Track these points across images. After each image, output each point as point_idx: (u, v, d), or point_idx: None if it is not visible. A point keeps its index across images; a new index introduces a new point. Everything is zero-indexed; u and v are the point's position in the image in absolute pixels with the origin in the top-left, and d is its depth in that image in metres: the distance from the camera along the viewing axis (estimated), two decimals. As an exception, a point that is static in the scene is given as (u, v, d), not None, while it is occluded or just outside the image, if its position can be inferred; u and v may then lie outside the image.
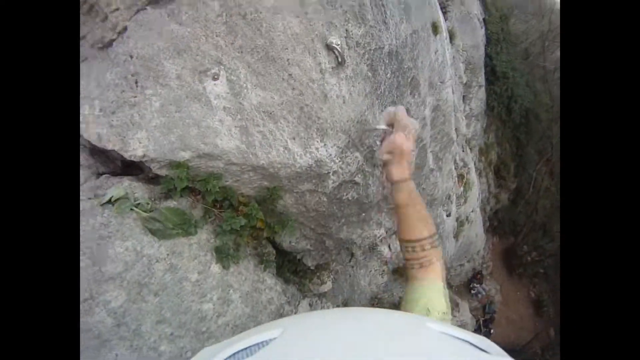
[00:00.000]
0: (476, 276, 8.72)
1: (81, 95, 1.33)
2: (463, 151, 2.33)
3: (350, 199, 1.52)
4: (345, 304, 1.83)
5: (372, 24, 1.41)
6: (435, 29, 1.79)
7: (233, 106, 1.28)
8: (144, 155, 1.31)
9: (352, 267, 1.83)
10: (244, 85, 1.27)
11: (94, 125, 1.32)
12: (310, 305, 1.77)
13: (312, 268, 1.75)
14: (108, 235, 1.33)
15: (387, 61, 1.46)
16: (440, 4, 2.41)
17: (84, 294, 1.34)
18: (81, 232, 1.32)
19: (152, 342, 1.42)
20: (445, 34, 2.06)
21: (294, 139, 1.34)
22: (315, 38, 1.30)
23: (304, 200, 1.50)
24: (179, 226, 1.36)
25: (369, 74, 1.42)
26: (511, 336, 9.52)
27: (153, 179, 1.43)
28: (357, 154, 1.44)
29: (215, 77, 1.27)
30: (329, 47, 1.31)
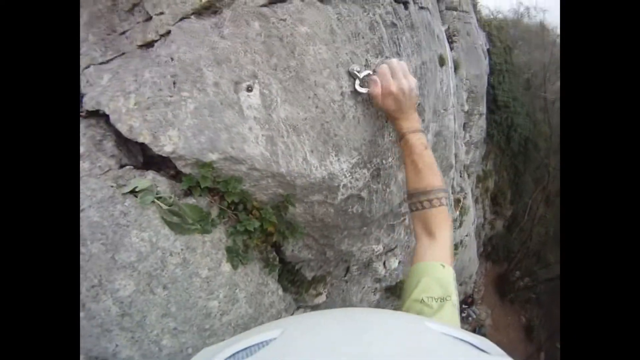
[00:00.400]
0: (467, 300, 8.92)
1: (117, 89, 1.43)
2: (461, 177, 2.51)
3: (354, 212, 1.67)
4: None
5: (388, 55, 1.60)
6: (441, 61, 2.03)
7: (262, 117, 1.42)
8: (172, 152, 1.41)
9: (347, 282, 1.95)
10: (275, 99, 1.42)
11: (127, 117, 1.41)
12: (302, 314, 1.87)
13: (309, 279, 1.86)
14: (126, 224, 1.40)
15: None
16: (447, 36, 2.66)
17: (92, 280, 1.39)
18: (98, 219, 1.38)
19: (154, 335, 1.47)
20: (450, 64, 2.30)
21: (312, 151, 1.48)
22: (339, 64, 1.47)
23: (313, 210, 1.63)
24: (197, 222, 1.45)
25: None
26: (502, 363, 9.59)
27: (174, 176, 1.52)
28: (365, 170, 1.60)
29: (250, 89, 1.40)
30: (350, 74, 1.49)
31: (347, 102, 1.50)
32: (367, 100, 1.53)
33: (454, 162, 2.24)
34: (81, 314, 1.39)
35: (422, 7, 1.87)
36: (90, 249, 1.38)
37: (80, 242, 1.36)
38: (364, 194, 1.63)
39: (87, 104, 1.44)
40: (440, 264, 1.06)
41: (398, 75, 1.36)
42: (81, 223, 1.36)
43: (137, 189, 1.40)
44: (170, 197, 1.45)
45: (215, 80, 1.39)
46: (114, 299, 1.41)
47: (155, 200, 1.42)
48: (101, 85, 1.44)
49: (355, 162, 1.57)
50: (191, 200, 1.49)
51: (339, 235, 1.73)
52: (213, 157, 1.42)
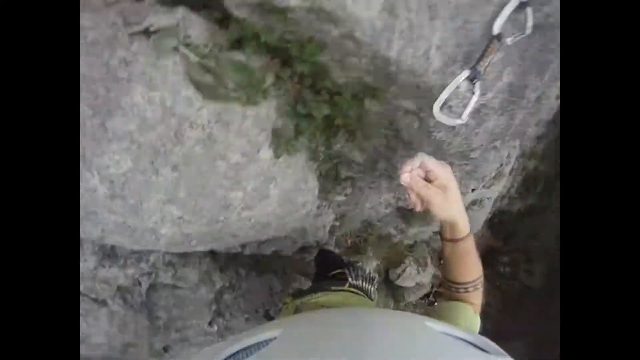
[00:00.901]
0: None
1: None
2: (514, 147, 2.22)
3: (436, 138, 1.21)
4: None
5: None
6: None
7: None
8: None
9: (371, 188, 1.67)
10: None
11: None
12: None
13: (341, 177, 1.51)
14: (128, 78, 0.87)
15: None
16: None
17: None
18: (86, 70, 0.84)
19: (152, 222, 1.15)
20: None
21: (438, 48, 0.93)
22: None
23: (395, 117, 1.15)
24: (241, 88, 0.94)
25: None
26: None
27: (219, 21, 0.91)
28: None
29: None
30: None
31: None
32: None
33: (526, 129, 1.82)
34: None
35: None
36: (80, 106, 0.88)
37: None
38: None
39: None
40: (473, 311, 1.04)
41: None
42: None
43: (151, 29, 0.81)
44: (206, 46, 0.88)
45: None
46: (101, 177, 0.99)
47: (181, 47, 0.85)
48: None
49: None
50: (238, 57, 0.93)
51: (405, 152, 1.33)
52: (294, 1, 0.82)
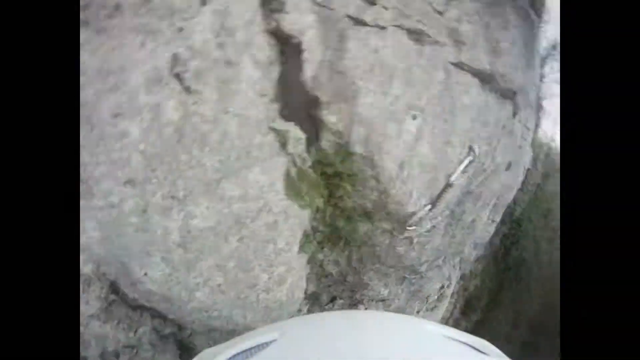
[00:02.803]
0: None
1: (320, 39, 1.46)
2: (453, 267, 2.80)
3: (399, 252, 1.86)
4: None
5: (489, 148, 1.98)
6: (509, 166, 2.47)
7: (409, 144, 1.64)
8: (334, 123, 1.48)
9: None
10: (424, 135, 1.66)
11: (318, 66, 1.47)
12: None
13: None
14: (256, 157, 1.36)
15: (478, 174, 2.06)
16: None
17: (177, 190, 1.28)
18: (235, 133, 1.31)
19: (194, 282, 1.39)
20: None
21: (417, 189, 1.72)
22: (470, 138, 1.81)
23: (374, 235, 1.78)
24: (307, 195, 1.51)
25: (468, 175, 1.98)
26: None
27: (310, 143, 1.55)
28: (427, 221, 1.88)
29: (415, 117, 1.62)
30: (471, 147, 1.85)
31: (453, 167, 1.83)
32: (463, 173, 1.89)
33: (465, 251, 2.70)
34: (134, 219, 1.23)
35: (520, 121, 2.28)
36: (204, 157, 1.29)
37: (200, 142, 1.26)
38: (415, 240, 1.89)
39: (287, 25, 1.42)
40: None
41: None
42: (216, 125, 1.27)
43: (288, 133, 1.40)
44: (306, 160, 1.48)
45: (398, 94, 1.58)
46: (183, 223, 1.28)
47: (297, 154, 1.44)
48: (307, 21, 1.45)
49: (427, 211, 1.84)
50: (313, 175, 1.53)
51: (372, 265, 1.90)
52: (359, 150, 1.54)
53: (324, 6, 1.49)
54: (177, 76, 1.22)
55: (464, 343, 0.55)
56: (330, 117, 1.47)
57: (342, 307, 2.14)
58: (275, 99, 1.43)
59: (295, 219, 1.53)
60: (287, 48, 1.44)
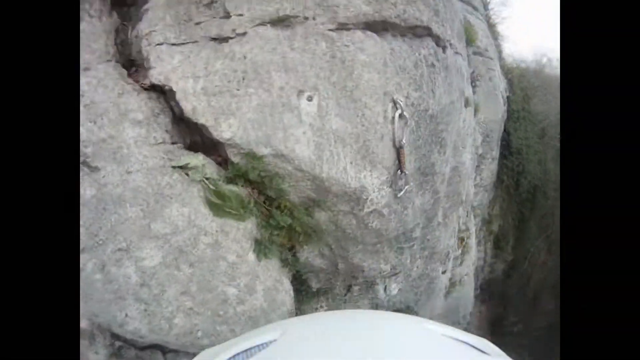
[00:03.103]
0: None
1: (187, 71, 1.63)
2: (467, 216, 2.76)
3: (374, 227, 1.91)
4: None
5: (425, 90, 1.91)
6: (467, 101, 2.42)
7: (316, 124, 1.67)
8: (230, 139, 1.62)
9: (345, 302, 2.16)
10: (330, 111, 1.68)
11: (193, 99, 1.61)
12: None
13: (314, 290, 2.05)
14: (170, 195, 1.56)
15: (428, 121, 1.96)
16: (471, 80, 3.07)
17: (121, 243, 1.51)
18: (144, 185, 1.53)
19: (168, 311, 1.58)
20: (472, 106, 2.71)
21: (351, 163, 1.74)
22: (386, 92, 1.78)
23: (337, 219, 1.86)
24: (236, 209, 1.64)
25: (414, 128, 1.91)
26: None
27: (220, 163, 1.72)
28: (390, 189, 1.88)
29: (310, 98, 1.67)
30: (394, 102, 1.82)
31: (387, 126, 1.79)
32: (403, 128, 1.85)
33: (464, 198, 2.58)
34: (98, 276, 1.48)
35: (456, 52, 2.26)
36: (128, 212, 1.51)
37: (119, 203, 1.50)
38: (385, 211, 1.89)
39: (155, 77, 1.62)
40: None
41: None
42: (126, 185, 1.50)
43: (188, 165, 1.59)
44: (218, 179, 1.64)
45: (281, 85, 1.64)
46: (137, 267, 1.52)
47: (204, 179, 1.61)
48: (171, 64, 1.63)
49: (384, 180, 1.83)
50: (234, 188, 1.69)
51: (354, 248, 1.96)
52: (265, 151, 1.64)
53: (185, 43, 1.69)
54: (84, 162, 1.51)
55: (465, 342, 0.56)
56: (224, 134, 1.62)
57: (359, 292, 2.18)
58: (171, 140, 1.65)
59: (237, 232, 1.68)
60: (165, 95, 1.66)
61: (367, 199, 1.82)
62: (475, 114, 2.98)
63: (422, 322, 0.64)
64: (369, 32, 1.78)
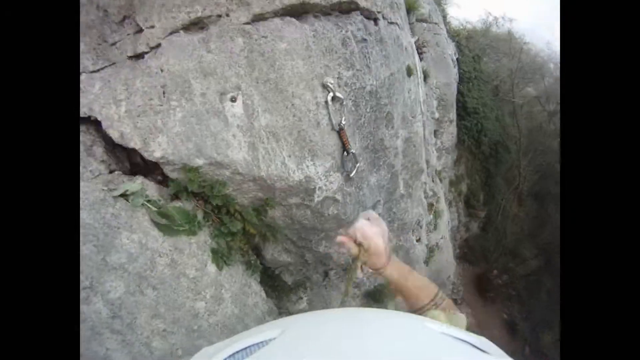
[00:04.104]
0: None
1: (108, 96, 1.67)
2: (433, 182, 2.81)
3: (330, 214, 1.97)
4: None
5: (359, 67, 1.95)
6: (409, 71, 2.41)
7: (245, 125, 1.71)
8: (162, 157, 1.66)
9: (326, 287, 2.22)
10: (256, 108, 1.72)
11: (119, 124, 1.66)
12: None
13: (289, 284, 2.12)
14: (117, 226, 1.63)
15: (367, 98, 2.01)
16: (417, 47, 3.05)
17: (84, 282, 1.60)
18: (90, 221, 1.60)
19: (144, 337, 1.68)
20: (419, 73, 2.69)
21: (290, 156, 1.79)
22: (314, 77, 1.80)
23: (291, 213, 1.92)
24: (184, 224, 1.70)
25: (353, 108, 1.95)
26: (487, 359, 10.36)
27: (161, 182, 1.76)
28: (338, 174, 1.92)
29: (233, 99, 1.70)
30: (324, 85, 1.82)
31: (321, 112, 1.82)
32: (339, 110, 1.86)
33: (424, 166, 2.60)
34: None
35: (391, 22, 2.26)
36: (82, 251, 1.59)
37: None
38: (338, 196, 1.94)
39: (80, 110, 1.66)
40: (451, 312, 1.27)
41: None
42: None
43: (127, 192, 1.63)
44: (160, 200, 1.69)
45: (202, 91, 1.67)
46: (104, 301, 1.61)
47: (145, 203, 1.66)
48: (93, 93, 1.67)
49: (330, 166, 1.89)
50: (178, 204, 1.74)
51: (316, 237, 2.01)
52: (199, 162, 1.69)
53: (104, 68, 1.70)
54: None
55: (464, 341, 0.57)
56: (155, 154, 1.66)
57: (337, 277, 2.24)
58: (108, 169, 1.70)
59: (191, 247, 1.76)
60: (96, 124, 1.68)
61: (315, 188, 1.86)
62: (426, 80, 2.97)
63: (422, 321, 0.65)
64: (287, 18, 1.80)
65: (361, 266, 1.53)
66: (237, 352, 0.53)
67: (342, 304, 1.46)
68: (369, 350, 0.48)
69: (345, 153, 1.87)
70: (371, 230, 1.49)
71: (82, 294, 1.59)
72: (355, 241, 1.44)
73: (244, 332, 0.63)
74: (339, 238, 1.49)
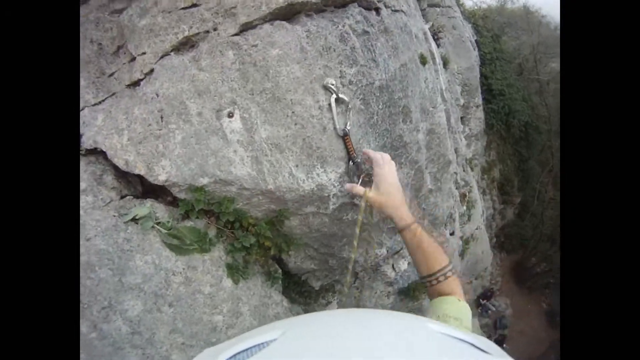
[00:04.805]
0: (486, 293, 9.30)
1: (111, 127, 1.72)
2: (464, 171, 2.65)
3: (350, 219, 1.88)
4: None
5: (363, 63, 1.80)
6: (423, 59, 2.22)
7: (245, 139, 1.67)
8: (166, 180, 1.69)
9: (357, 288, 2.17)
10: (255, 121, 1.66)
11: (123, 152, 1.70)
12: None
13: (317, 288, 2.09)
14: (130, 249, 1.69)
15: (378, 94, 1.86)
16: (432, 33, 2.82)
17: (103, 302, 1.68)
18: (104, 247, 1.67)
19: (163, 350, 1.75)
20: (438, 60, 2.48)
21: (297, 166, 1.72)
22: (313, 80, 1.70)
23: (308, 222, 1.86)
24: (196, 243, 1.72)
25: (362, 107, 1.81)
26: (527, 349, 10.33)
27: (171, 202, 1.80)
28: (355, 178, 1.81)
29: (231, 115, 1.66)
30: (326, 87, 1.71)
31: (326, 115, 1.72)
32: (347, 111, 1.74)
33: (451, 157, 2.40)
34: (93, 335, 1.69)
35: (395, 10, 2.07)
36: (99, 274, 1.68)
37: (89, 268, 1.66)
38: (357, 200, 1.84)
39: (86, 142, 1.75)
40: (457, 299, 1.33)
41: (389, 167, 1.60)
42: (88, 251, 1.66)
43: (137, 217, 1.69)
44: (169, 222, 1.73)
45: (198, 111, 1.66)
46: (123, 319, 1.70)
47: (155, 225, 1.70)
48: (96, 125, 1.74)
49: (343, 171, 1.79)
50: (189, 223, 1.77)
51: (338, 243, 1.95)
52: (204, 181, 1.69)
53: (105, 99, 1.76)
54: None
55: (466, 341, 0.58)
56: (160, 178, 1.69)
57: (368, 277, 2.17)
58: (120, 195, 1.76)
59: (205, 264, 1.78)
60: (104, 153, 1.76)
61: (329, 195, 1.79)
62: (446, 67, 2.72)
63: (423, 321, 0.67)
64: (277, 22, 1.71)
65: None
66: (238, 353, 0.53)
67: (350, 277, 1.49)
68: (369, 351, 0.48)
69: (350, 162, 1.74)
70: (386, 166, 1.50)
71: (102, 314, 1.66)
72: (359, 176, 1.60)
73: (244, 334, 0.64)
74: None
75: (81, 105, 1.78)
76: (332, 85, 1.70)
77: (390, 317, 0.71)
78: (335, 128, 1.72)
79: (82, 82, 1.78)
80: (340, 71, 1.74)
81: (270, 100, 1.67)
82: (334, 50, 1.73)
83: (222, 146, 1.67)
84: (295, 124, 1.69)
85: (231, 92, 1.66)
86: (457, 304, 1.32)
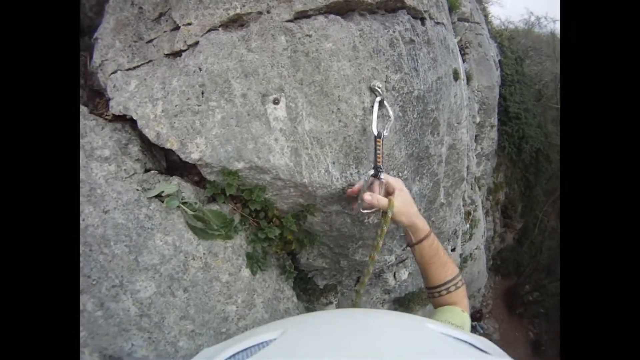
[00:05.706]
0: (476, 314, 9.53)
1: (145, 95, 1.62)
2: (472, 189, 2.72)
3: (370, 222, 1.89)
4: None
5: (407, 71, 1.81)
6: (456, 75, 2.28)
7: (288, 129, 1.63)
8: (199, 159, 1.61)
9: (357, 292, 2.19)
10: (300, 112, 1.63)
11: (155, 124, 1.61)
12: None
13: (321, 287, 2.08)
14: (151, 227, 1.60)
15: (415, 103, 1.88)
16: (459, 48, 2.90)
17: (114, 280, 1.58)
18: (123, 221, 1.57)
19: (171, 336, 1.67)
20: (462, 76, 2.56)
21: (334, 163, 1.70)
22: (362, 80, 1.69)
23: (330, 220, 1.85)
24: (221, 228, 1.66)
25: (400, 114, 1.83)
26: (508, 377, 10.34)
27: (197, 182, 1.73)
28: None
29: (276, 101, 1.62)
30: (372, 89, 1.72)
31: (368, 117, 1.71)
32: (387, 116, 1.75)
33: (465, 174, 2.49)
34: (99, 313, 1.58)
35: (437, 23, 2.10)
36: (114, 250, 1.58)
37: (104, 243, 1.56)
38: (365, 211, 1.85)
39: (114, 108, 1.63)
40: (461, 310, 1.36)
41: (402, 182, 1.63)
42: (105, 224, 1.56)
43: (163, 194, 1.60)
44: (196, 203, 1.65)
45: (243, 92, 1.60)
46: (133, 300, 1.60)
47: (181, 205, 1.62)
48: (128, 91, 1.63)
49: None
50: (215, 207, 1.70)
51: (354, 245, 1.95)
52: (239, 165, 1.63)
53: (140, 65, 1.66)
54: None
55: (465, 342, 0.58)
56: (193, 156, 1.61)
57: (369, 282, 2.19)
58: (144, 168, 1.67)
59: (226, 251, 1.72)
60: (131, 121, 1.66)
61: (356, 196, 1.77)
62: (468, 83, 2.81)
63: (422, 321, 0.66)
64: (332, 16, 1.67)
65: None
66: (238, 353, 0.54)
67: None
68: (369, 351, 0.48)
69: (372, 170, 1.58)
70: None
71: (112, 292, 1.56)
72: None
73: (244, 333, 0.64)
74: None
75: (113, 68, 1.66)
76: (379, 88, 1.70)
77: (390, 317, 0.72)
78: (373, 129, 1.72)
79: (118, 45, 1.67)
80: (386, 76, 1.74)
81: (318, 93, 1.64)
82: (383, 54, 1.74)
83: (263, 132, 1.62)
84: (339, 121, 1.68)
85: (280, 79, 1.61)
86: (461, 315, 1.35)
